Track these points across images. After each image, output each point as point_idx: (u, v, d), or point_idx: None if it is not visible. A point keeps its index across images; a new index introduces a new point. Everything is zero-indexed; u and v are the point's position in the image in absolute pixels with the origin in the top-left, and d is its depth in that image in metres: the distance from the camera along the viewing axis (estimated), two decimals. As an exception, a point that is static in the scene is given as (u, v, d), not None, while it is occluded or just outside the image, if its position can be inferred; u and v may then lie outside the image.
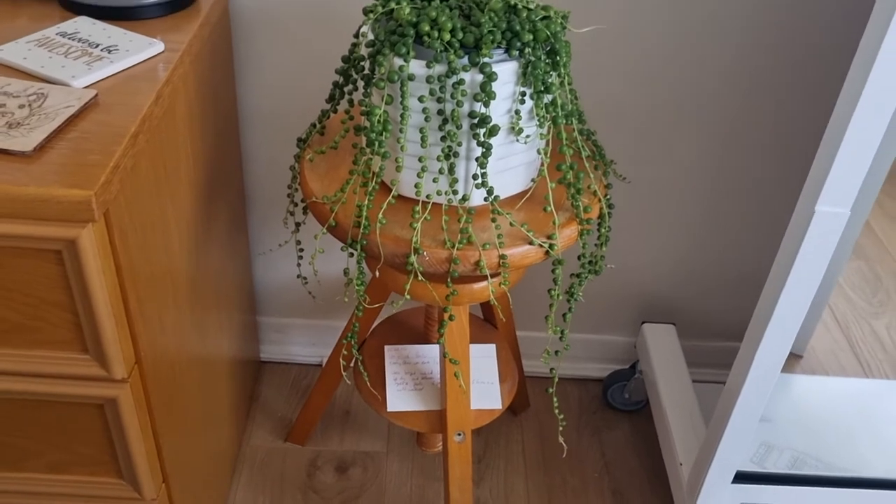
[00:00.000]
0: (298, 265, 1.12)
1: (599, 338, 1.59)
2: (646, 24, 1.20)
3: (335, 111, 1.01)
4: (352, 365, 1.28)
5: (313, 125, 1.04)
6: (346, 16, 1.20)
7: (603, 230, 1.00)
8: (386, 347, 1.20)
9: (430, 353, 1.20)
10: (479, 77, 0.84)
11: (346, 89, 0.98)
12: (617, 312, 1.55)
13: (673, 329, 1.49)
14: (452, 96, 0.84)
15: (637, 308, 1.55)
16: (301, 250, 1.12)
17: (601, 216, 0.99)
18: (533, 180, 0.97)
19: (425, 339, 1.22)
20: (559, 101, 0.89)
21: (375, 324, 1.28)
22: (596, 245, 1.02)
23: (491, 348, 1.23)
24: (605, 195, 1.00)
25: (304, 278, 1.14)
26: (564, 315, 1.02)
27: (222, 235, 1.22)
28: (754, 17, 1.19)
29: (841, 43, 1.21)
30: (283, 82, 1.27)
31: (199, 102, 1.03)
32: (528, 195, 0.96)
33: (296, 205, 1.09)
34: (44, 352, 0.83)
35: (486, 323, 1.32)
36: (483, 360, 1.21)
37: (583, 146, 0.97)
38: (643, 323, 1.50)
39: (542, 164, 0.92)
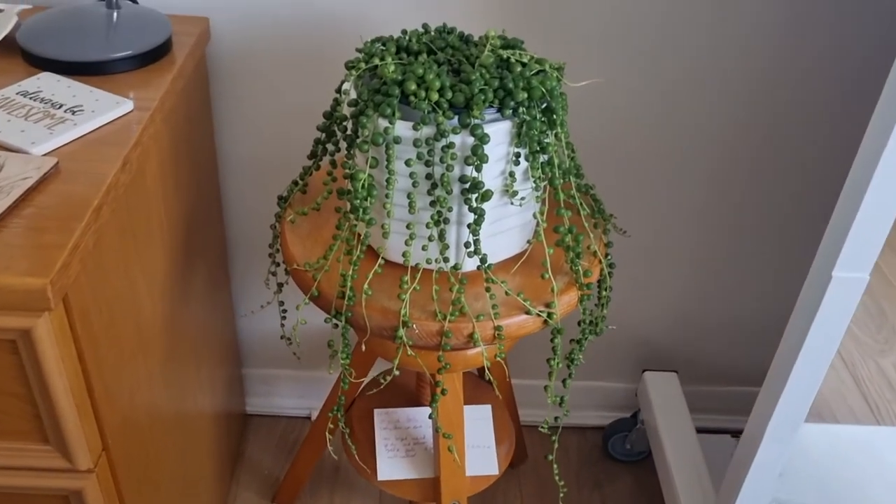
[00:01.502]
0: (282, 325, 1.05)
1: (599, 385, 1.53)
2: (646, 70, 1.15)
3: (317, 168, 0.95)
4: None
5: (295, 182, 0.98)
6: (329, 63, 1.14)
7: (604, 292, 0.94)
8: (376, 412, 1.14)
9: (422, 416, 1.14)
10: (470, 139, 0.78)
11: (328, 146, 0.92)
12: (617, 359, 1.49)
13: (675, 377, 1.43)
14: (442, 160, 0.78)
15: (637, 355, 1.49)
16: (284, 310, 1.06)
17: (602, 278, 0.93)
18: (528, 242, 0.91)
19: (416, 401, 1.16)
20: (556, 161, 0.83)
21: (365, 382, 1.22)
22: (596, 306, 0.96)
23: (486, 410, 1.16)
24: (606, 255, 0.94)
25: (289, 339, 1.07)
26: (564, 381, 0.96)
27: (202, 291, 1.15)
28: (762, 64, 1.14)
29: (851, 91, 1.16)
30: (264, 131, 1.21)
31: (172, 161, 0.97)
32: (523, 258, 0.90)
33: (277, 265, 1.03)
34: (1, 443, 0.77)
35: (481, 379, 1.26)
36: (478, 423, 1.14)
37: (581, 204, 0.91)
38: (644, 371, 1.44)
39: (539, 227, 0.85)
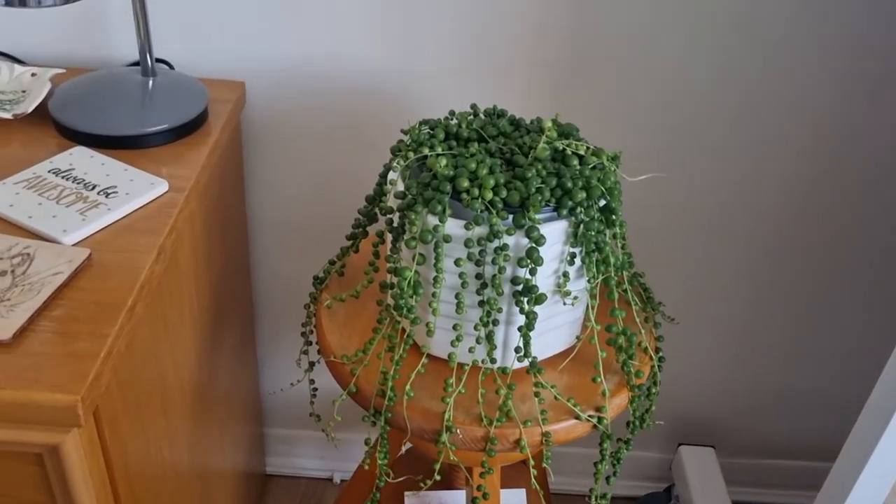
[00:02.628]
0: (312, 403, 1.01)
1: (631, 454, 1.47)
2: (694, 139, 1.11)
3: (356, 250, 0.91)
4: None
5: (331, 262, 0.94)
6: (366, 133, 1.11)
7: (654, 388, 0.90)
8: (406, 495, 1.09)
9: (454, 500, 1.09)
10: (525, 240, 0.74)
11: (368, 229, 0.88)
12: (652, 430, 1.44)
13: (712, 452, 1.38)
14: (494, 261, 0.74)
15: (673, 424, 1.43)
16: (315, 389, 1.02)
17: (652, 374, 0.88)
18: (577, 337, 0.87)
19: (448, 482, 1.11)
20: (612, 259, 0.79)
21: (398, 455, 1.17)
22: (645, 398, 0.91)
23: (521, 495, 1.11)
24: (657, 350, 0.89)
25: (318, 416, 1.03)
26: (608, 479, 0.91)
27: (229, 356, 1.11)
28: (808, 147, 1.09)
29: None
30: (296, 198, 1.17)
31: (205, 239, 0.93)
32: (572, 355, 0.86)
33: (310, 344, 0.99)
34: (21, 550, 0.72)
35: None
36: (512, 509, 1.10)
37: (633, 298, 0.87)
38: (680, 445, 1.39)
39: (591, 328, 0.81)
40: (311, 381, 1.01)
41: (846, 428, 0.85)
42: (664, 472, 1.48)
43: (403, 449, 1.09)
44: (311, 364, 1.01)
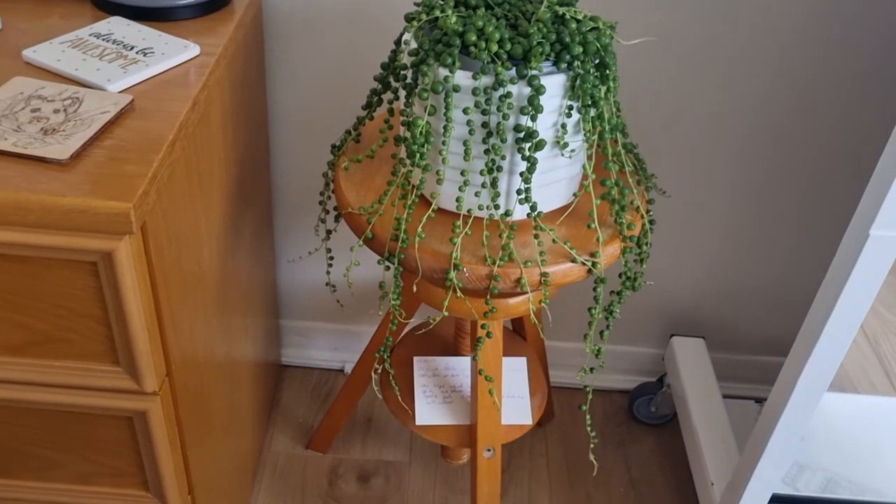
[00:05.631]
0: (328, 273, 1.09)
1: (626, 349, 1.56)
2: (691, 35, 1.17)
3: (371, 118, 0.99)
4: (384, 374, 1.25)
5: (348, 132, 1.01)
6: (383, 19, 1.17)
7: (644, 247, 0.98)
8: (415, 359, 1.18)
9: (460, 365, 1.18)
10: (527, 90, 0.81)
11: (384, 97, 0.96)
12: (645, 324, 1.52)
13: (702, 343, 1.47)
14: (499, 109, 0.82)
15: (666, 320, 1.52)
16: (331, 258, 1.10)
17: (643, 232, 0.96)
18: (574, 195, 0.94)
19: (455, 350, 1.20)
20: (605, 115, 0.86)
21: (404, 332, 1.26)
22: (636, 261, 0.99)
23: (522, 361, 1.20)
24: (647, 211, 0.97)
25: (334, 286, 1.11)
26: (602, 332, 0.99)
27: (249, 239, 1.19)
28: (806, 29, 1.16)
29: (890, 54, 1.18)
30: (315, 85, 1.24)
31: (233, 107, 1.01)
32: (569, 210, 0.94)
33: (327, 212, 1.07)
34: (73, 363, 0.81)
35: (515, 334, 1.30)
36: (513, 374, 1.18)
37: (626, 161, 0.94)
38: (672, 336, 1.47)
39: (588, 180, 0.89)
40: (328, 250, 1.09)
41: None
42: (658, 367, 1.57)
43: (414, 295, 1.17)
44: (329, 232, 1.09)
